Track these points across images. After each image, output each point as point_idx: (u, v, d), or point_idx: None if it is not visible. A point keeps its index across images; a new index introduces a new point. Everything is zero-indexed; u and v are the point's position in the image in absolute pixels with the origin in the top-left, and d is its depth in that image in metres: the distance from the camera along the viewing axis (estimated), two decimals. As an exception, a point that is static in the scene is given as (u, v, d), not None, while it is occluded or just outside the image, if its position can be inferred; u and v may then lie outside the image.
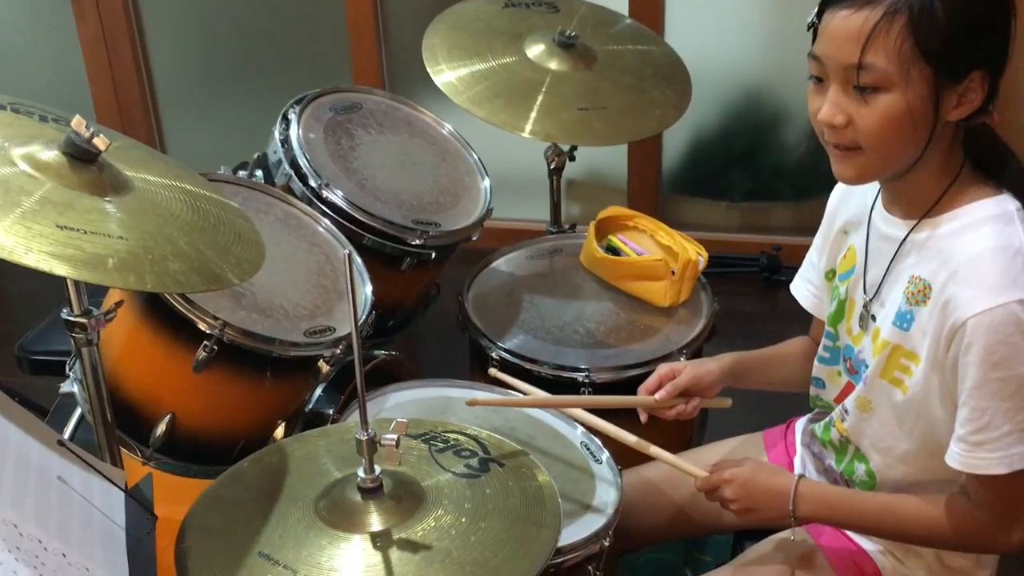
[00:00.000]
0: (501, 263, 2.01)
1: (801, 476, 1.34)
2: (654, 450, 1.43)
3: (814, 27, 1.19)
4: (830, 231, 1.41)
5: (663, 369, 1.49)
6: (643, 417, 1.50)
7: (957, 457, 1.19)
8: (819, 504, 1.31)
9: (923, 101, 1.14)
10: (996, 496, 1.20)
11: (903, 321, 1.23)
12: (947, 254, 1.19)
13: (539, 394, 1.52)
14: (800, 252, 1.52)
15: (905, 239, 1.25)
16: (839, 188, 1.41)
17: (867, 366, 1.30)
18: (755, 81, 2.94)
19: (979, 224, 1.18)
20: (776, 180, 3.05)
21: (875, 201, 1.32)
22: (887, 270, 1.27)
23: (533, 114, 1.88)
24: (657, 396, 1.46)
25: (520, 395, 1.54)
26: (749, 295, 2.98)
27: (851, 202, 1.37)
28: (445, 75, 1.92)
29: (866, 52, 1.12)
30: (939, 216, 1.22)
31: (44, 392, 1.95)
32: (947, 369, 1.18)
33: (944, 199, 1.21)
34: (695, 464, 1.44)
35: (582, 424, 1.52)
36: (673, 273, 1.86)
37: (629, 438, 1.45)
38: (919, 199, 1.23)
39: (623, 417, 1.51)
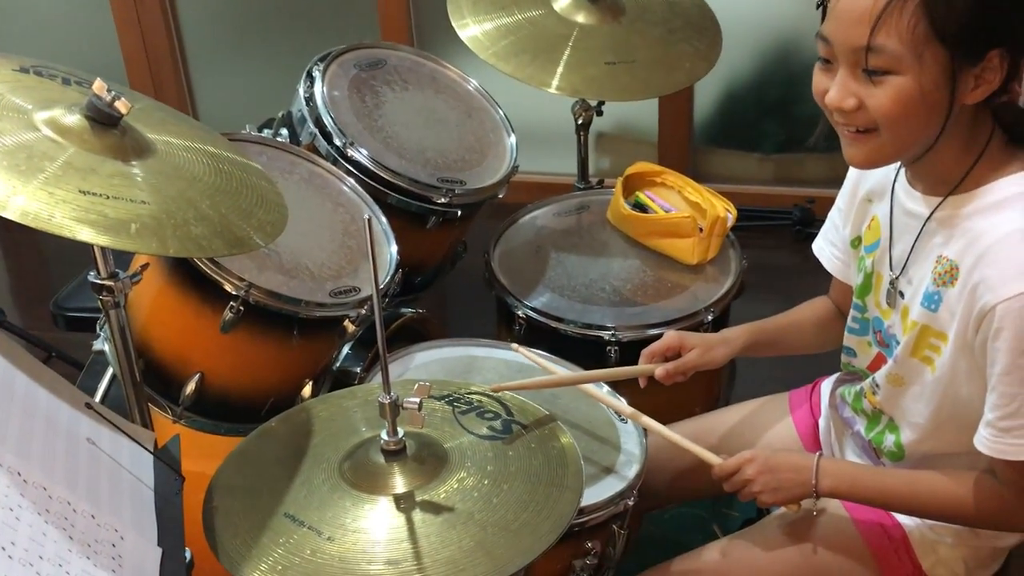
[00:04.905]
0: (528, 220, 2.00)
1: (821, 454, 1.32)
2: (646, 420, 1.41)
3: (823, 5, 1.13)
4: (854, 198, 1.38)
5: (672, 339, 1.47)
6: (642, 383, 1.48)
7: (985, 442, 1.17)
8: (841, 479, 1.30)
9: (937, 85, 1.09)
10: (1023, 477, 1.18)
11: (931, 302, 1.20)
12: (974, 234, 1.15)
13: (558, 372, 1.50)
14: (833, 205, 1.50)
15: (930, 217, 1.21)
16: None
17: (898, 342, 1.28)
18: (788, 29, 2.88)
19: (1008, 202, 1.14)
20: (809, 131, 2.99)
21: (898, 173, 1.28)
22: (913, 248, 1.24)
23: (560, 69, 1.86)
24: (657, 373, 1.44)
25: (541, 374, 1.52)
26: (782, 248, 2.95)
27: (874, 170, 1.33)
28: (471, 29, 1.90)
29: (876, 34, 1.07)
30: (965, 193, 1.18)
31: (82, 346, 1.99)
32: (976, 351, 1.16)
33: (970, 176, 1.17)
34: (713, 427, 1.42)
35: (589, 395, 1.50)
36: (701, 230, 1.84)
37: (625, 408, 1.44)
38: (943, 176, 1.19)
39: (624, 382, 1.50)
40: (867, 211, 1.36)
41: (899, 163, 1.27)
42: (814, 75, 1.17)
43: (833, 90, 1.13)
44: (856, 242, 1.39)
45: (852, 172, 1.39)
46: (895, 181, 1.28)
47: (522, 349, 1.54)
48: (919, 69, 1.08)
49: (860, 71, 1.11)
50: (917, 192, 1.24)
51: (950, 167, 1.18)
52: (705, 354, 1.45)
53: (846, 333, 1.41)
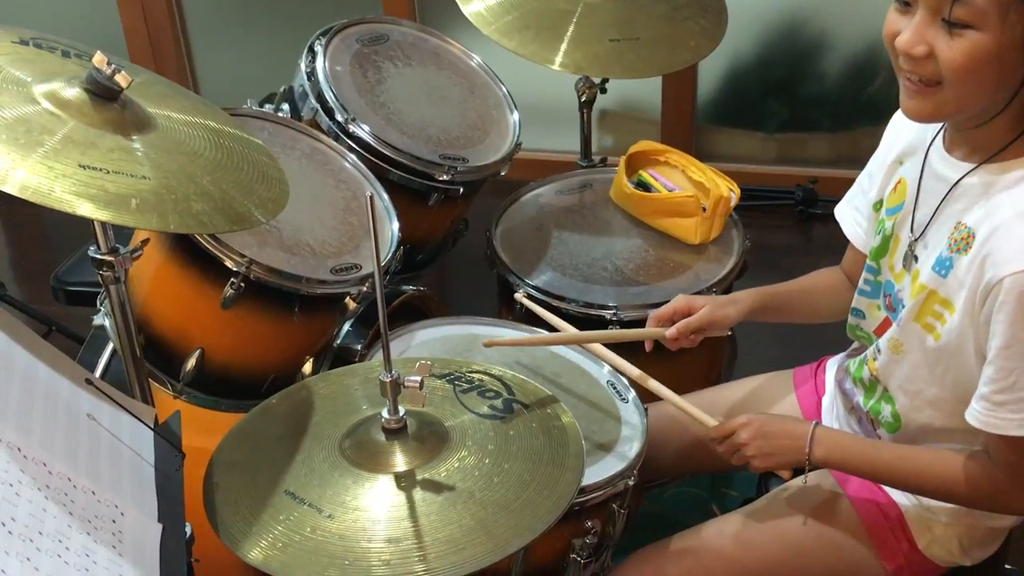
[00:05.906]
0: (530, 198, 1.99)
1: (817, 422, 1.32)
2: (653, 384, 1.41)
3: None
4: (885, 159, 1.36)
5: (679, 302, 1.46)
6: (648, 346, 1.48)
7: (978, 415, 1.17)
8: (834, 448, 1.30)
9: (1015, 49, 1.07)
10: (1016, 456, 1.18)
11: (941, 267, 1.20)
12: (995, 205, 1.14)
13: (560, 328, 1.50)
14: (837, 185, 1.49)
15: (958, 182, 1.20)
16: (901, 113, 1.35)
17: (904, 306, 1.27)
18: (793, 7, 2.86)
19: None
20: (814, 110, 2.98)
21: (936, 136, 1.26)
22: (936, 212, 1.23)
23: (563, 46, 1.84)
24: (668, 334, 1.44)
25: (540, 332, 1.54)
26: (784, 228, 2.94)
27: (911, 129, 1.30)
28: (474, 5, 1.88)
29: None
30: (999, 163, 1.16)
31: (83, 320, 1.98)
32: (980, 324, 1.15)
33: (1009, 148, 1.15)
34: (715, 402, 1.41)
35: (594, 353, 1.51)
36: (704, 210, 1.83)
37: (632, 371, 1.43)
38: (984, 144, 1.18)
39: (629, 347, 1.50)
40: (895, 173, 1.34)
41: (940, 126, 1.24)
42: (888, 15, 1.14)
43: (906, 33, 1.11)
44: (878, 205, 1.37)
45: (888, 134, 1.37)
46: (930, 145, 1.26)
47: (527, 301, 1.54)
48: (1001, 29, 1.06)
49: (940, 19, 1.08)
50: (953, 158, 1.22)
51: (995, 137, 1.16)
52: (715, 311, 1.44)
53: (856, 295, 1.40)
